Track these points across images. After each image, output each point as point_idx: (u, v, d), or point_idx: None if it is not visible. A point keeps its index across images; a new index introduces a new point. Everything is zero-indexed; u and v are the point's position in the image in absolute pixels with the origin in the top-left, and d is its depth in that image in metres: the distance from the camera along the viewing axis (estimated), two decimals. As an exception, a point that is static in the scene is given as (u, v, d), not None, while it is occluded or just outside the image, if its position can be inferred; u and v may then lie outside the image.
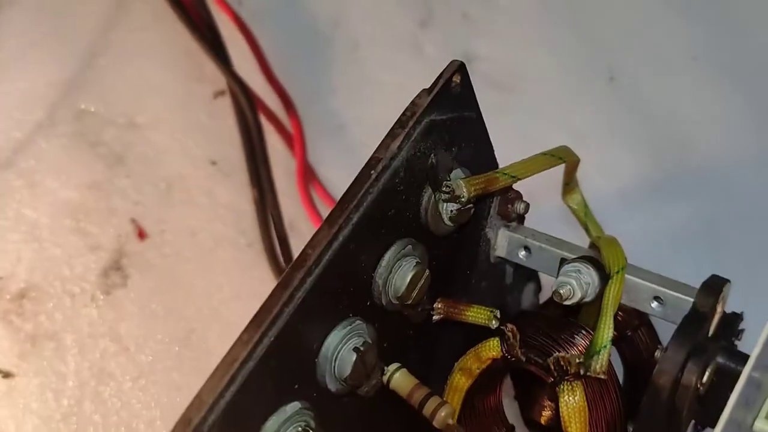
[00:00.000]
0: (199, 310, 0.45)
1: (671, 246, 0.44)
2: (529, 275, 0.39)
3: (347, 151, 0.49)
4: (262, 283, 0.46)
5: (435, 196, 0.31)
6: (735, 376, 0.28)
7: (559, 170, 0.34)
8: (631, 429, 0.32)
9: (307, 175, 0.46)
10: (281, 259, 0.45)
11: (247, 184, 0.47)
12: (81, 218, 0.46)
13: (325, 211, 0.45)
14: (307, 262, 0.28)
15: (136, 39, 0.51)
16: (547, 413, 0.34)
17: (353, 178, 0.42)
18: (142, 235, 0.46)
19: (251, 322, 0.27)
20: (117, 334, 0.44)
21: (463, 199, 0.30)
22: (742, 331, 0.32)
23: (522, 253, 0.35)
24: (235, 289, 0.45)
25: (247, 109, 0.47)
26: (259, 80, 0.49)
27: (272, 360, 0.27)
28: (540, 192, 0.36)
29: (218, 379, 0.26)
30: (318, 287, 0.28)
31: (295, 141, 0.47)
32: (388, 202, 0.30)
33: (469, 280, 0.35)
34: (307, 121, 0.48)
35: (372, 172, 0.29)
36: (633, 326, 0.34)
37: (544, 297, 0.40)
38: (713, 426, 0.29)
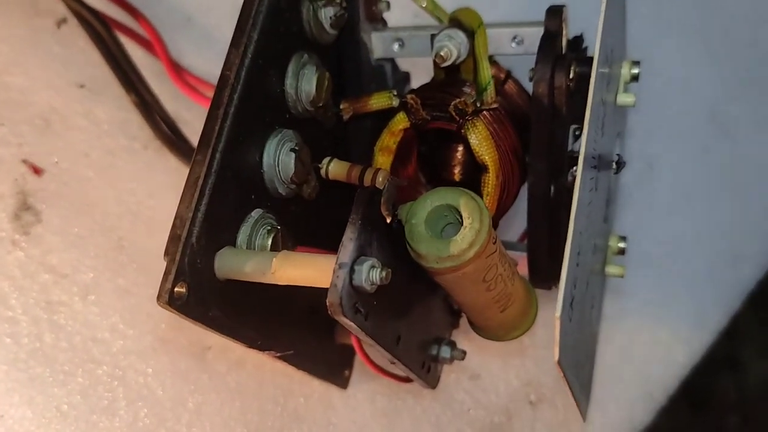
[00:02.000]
0: (120, 217, 0.47)
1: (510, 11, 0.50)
2: (405, 77, 0.44)
3: (201, 38, 0.51)
4: (169, 174, 0.48)
5: (313, 6, 0.35)
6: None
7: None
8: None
9: (177, 69, 0.49)
10: (181, 145, 0.47)
11: (119, 96, 0.49)
12: (-29, 176, 0.46)
13: (207, 96, 0.47)
14: (228, 80, 0.31)
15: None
16: (458, 169, 0.39)
17: (215, 61, 0.45)
18: (37, 171, 0.47)
19: (200, 143, 0.30)
20: (50, 265, 0.45)
21: (337, 1, 0.35)
22: (586, 48, 0.38)
23: (396, 47, 0.39)
24: (147, 189, 0.47)
25: (98, 26, 0.48)
26: (96, -2, 0.50)
27: (227, 171, 0.31)
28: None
29: (190, 197, 0.29)
30: (243, 101, 0.31)
31: (154, 42, 0.49)
32: (276, 20, 0.33)
33: (360, 84, 0.39)
34: (155, 23, 0.50)
35: (254, -9, 0.32)
36: (502, 80, 0.40)
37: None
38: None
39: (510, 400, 0.46)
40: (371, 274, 0.27)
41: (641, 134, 0.51)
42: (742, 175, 0.53)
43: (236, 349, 0.41)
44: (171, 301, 0.28)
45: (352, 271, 0.27)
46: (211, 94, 0.46)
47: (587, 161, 0.27)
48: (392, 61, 0.42)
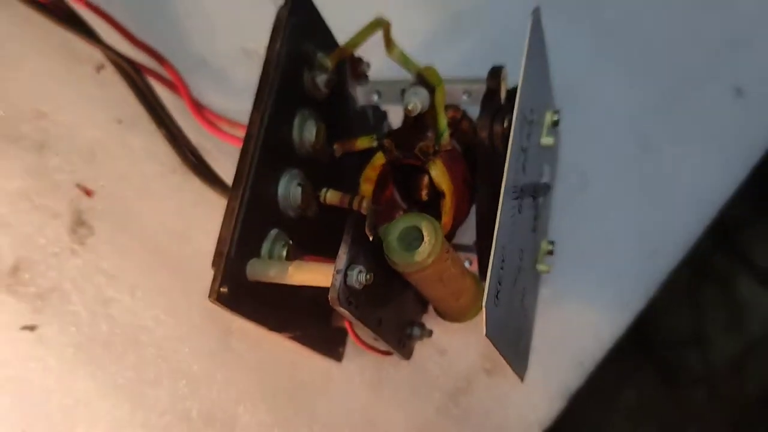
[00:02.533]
0: (156, 229, 0.58)
1: (464, 64, 0.62)
2: (383, 116, 0.56)
3: (216, 79, 0.62)
4: (194, 194, 0.58)
5: (311, 74, 0.46)
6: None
7: (379, 34, 0.49)
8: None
9: (197, 106, 0.60)
10: (203, 170, 0.58)
11: (151, 129, 0.59)
12: (34, 198, 0.57)
13: (223, 128, 0.58)
14: (253, 135, 0.42)
15: (10, 48, 0.60)
16: (424, 192, 0.51)
17: (228, 98, 0.56)
18: (89, 193, 0.58)
19: (234, 182, 0.41)
20: (102, 268, 0.56)
21: (329, 69, 0.46)
22: (520, 97, 0.49)
23: (375, 97, 0.51)
24: (177, 206, 0.58)
25: (131, 70, 0.59)
26: (127, 46, 0.61)
27: (254, 202, 0.42)
28: (372, 53, 0.51)
29: (228, 223, 0.41)
30: (263, 150, 0.42)
31: (177, 83, 0.59)
32: (285, 87, 0.44)
33: (347, 126, 0.51)
34: (177, 66, 0.61)
35: (270, 69, 0.43)
36: (458, 120, 0.51)
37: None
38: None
39: (469, 369, 0.57)
40: (359, 277, 0.39)
41: (576, 150, 0.62)
42: (659, 182, 0.64)
43: (254, 332, 0.53)
44: (218, 298, 0.39)
45: (345, 275, 0.39)
46: (226, 127, 0.58)
47: (507, 194, 0.39)
48: (370, 109, 0.53)
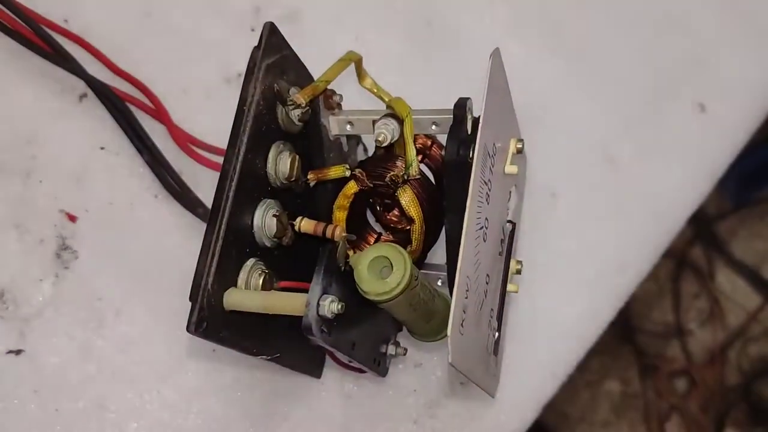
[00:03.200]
0: (139, 252, 0.59)
1: (435, 93, 0.64)
2: (357, 140, 0.58)
3: (196, 106, 0.64)
4: (176, 217, 0.60)
5: (285, 110, 0.48)
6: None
7: (352, 67, 0.51)
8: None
9: (178, 132, 0.61)
10: (184, 194, 0.60)
11: (133, 155, 0.61)
12: (19, 224, 0.59)
13: (203, 154, 0.60)
14: (228, 172, 0.44)
15: (-5, 80, 0.62)
16: (395, 217, 0.53)
17: (208, 125, 0.58)
18: (72, 218, 0.60)
19: (210, 218, 0.43)
20: (87, 292, 0.58)
21: (303, 105, 0.48)
22: (487, 125, 0.52)
23: (348, 127, 0.53)
24: (159, 229, 0.60)
25: (113, 98, 0.61)
26: (109, 75, 0.62)
27: (230, 235, 0.44)
28: (343, 85, 0.53)
29: (205, 257, 0.43)
30: (239, 186, 0.44)
31: (159, 111, 0.61)
32: (259, 123, 0.46)
33: (322, 155, 0.53)
34: (158, 93, 0.63)
35: (245, 107, 0.45)
36: (428, 146, 0.53)
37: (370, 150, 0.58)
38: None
39: (445, 382, 0.60)
40: (331, 306, 0.41)
41: (546, 170, 0.65)
42: (626, 198, 0.67)
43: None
44: (196, 329, 0.41)
45: (318, 306, 0.41)
46: (206, 153, 0.60)
47: (470, 230, 0.41)
48: (343, 137, 0.55)
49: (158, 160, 0.60)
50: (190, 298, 0.42)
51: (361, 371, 0.53)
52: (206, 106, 0.64)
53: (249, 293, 0.43)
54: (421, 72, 0.67)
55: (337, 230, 0.46)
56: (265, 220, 0.46)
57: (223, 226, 0.43)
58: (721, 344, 1.55)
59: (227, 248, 0.43)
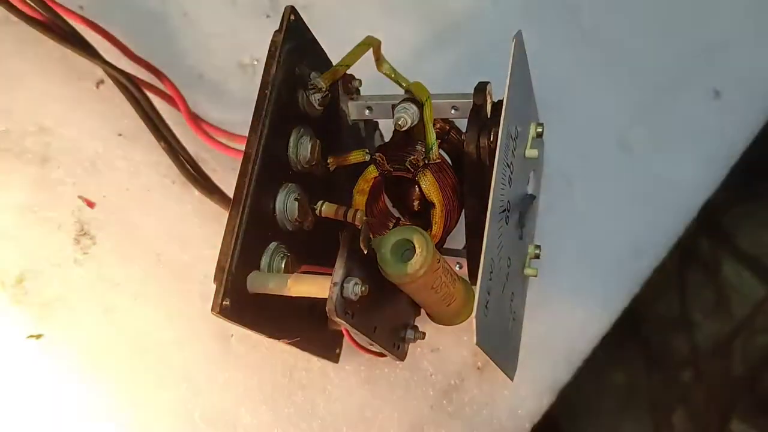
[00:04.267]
0: (157, 238, 0.60)
1: (450, 77, 0.64)
2: (374, 126, 0.58)
3: (212, 92, 0.64)
4: (193, 203, 0.60)
5: (306, 93, 0.48)
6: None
7: (370, 52, 0.52)
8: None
9: (195, 119, 0.62)
10: (201, 180, 0.60)
11: (150, 141, 0.60)
12: (38, 210, 0.59)
13: (219, 140, 0.61)
14: (251, 156, 0.44)
15: (12, 65, 0.62)
16: (416, 202, 0.53)
17: (224, 110, 0.58)
18: (90, 204, 0.60)
19: (233, 202, 0.44)
20: (105, 277, 0.58)
21: (323, 89, 0.48)
22: (506, 109, 0.52)
23: (367, 112, 0.53)
24: (177, 215, 0.60)
25: (130, 85, 0.61)
26: (126, 62, 0.62)
27: (253, 219, 0.44)
28: (360, 71, 0.53)
29: (229, 240, 0.43)
30: (261, 169, 0.44)
31: (175, 96, 0.61)
32: (280, 108, 0.46)
33: (340, 140, 0.53)
34: (175, 80, 0.63)
35: (266, 91, 0.45)
36: (447, 131, 0.53)
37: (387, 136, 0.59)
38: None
39: (462, 366, 0.60)
40: (355, 288, 0.41)
41: (561, 157, 0.65)
42: (641, 185, 0.67)
43: (253, 335, 0.55)
44: (221, 311, 0.42)
45: (342, 287, 0.41)
46: (223, 138, 0.60)
47: (494, 214, 0.41)
48: (362, 122, 0.55)
49: (175, 147, 0.61)
50: (215, 280, 0.42)
51: (381, 355, 0.54)
52: (222, 93, 0.64)
53: (272, 276, 0.44)
54: (435, 58, 0.67)
55: (358, 214, 0.46)
56: (287, 203, 0.46)
57: (246, 209, 0.43)
58: (726, 335, 1.55)
59: (250, 231, 0.43)
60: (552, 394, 0.61)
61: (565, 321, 0.62)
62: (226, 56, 0.65)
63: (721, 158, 0.69)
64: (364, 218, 0.46)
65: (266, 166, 0.45)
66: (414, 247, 0.43)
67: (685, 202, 0.67)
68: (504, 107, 0.42)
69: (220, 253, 0.43)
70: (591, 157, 0.66)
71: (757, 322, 1.58)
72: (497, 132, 0.47)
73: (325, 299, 0.42)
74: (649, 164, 0.67)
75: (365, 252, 0.43)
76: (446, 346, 0.60)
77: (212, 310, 0.41)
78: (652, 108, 0.69)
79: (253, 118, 0.45)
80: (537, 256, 0.53)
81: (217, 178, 0.60)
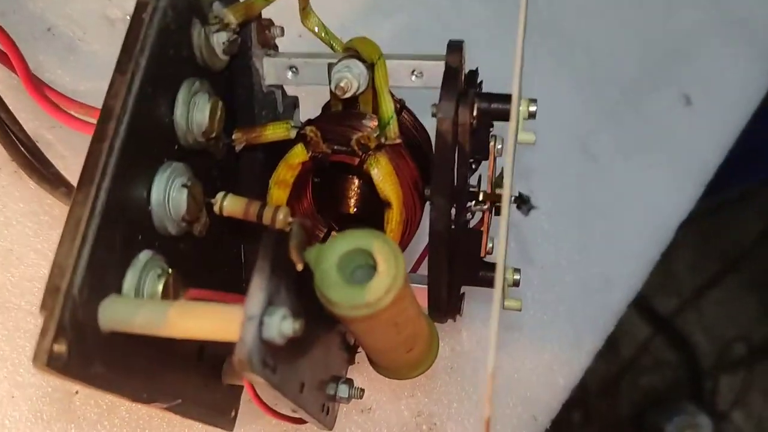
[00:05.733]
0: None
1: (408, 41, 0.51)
2: (294, 104, 0.42)
3: (64, 50, 0.47)
4: (26, 201, 0.43)
5: (205, 30, 0.32)
6: (495, 112, 0.35)
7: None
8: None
9: (37, 84, 0.44)
10: (41, 168, 0.42)
11: None
12: None
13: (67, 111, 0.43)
14: (113, 111, 0.28)
15: None
16: (354, 202, 0.38)
17: (80, 75, 0.41)
18: None
19: (81, 181, 0.27)
20: None
21: (232, 26, 0.32)
22: (481, 82, 0.38)
23: (289, 75, 0.38)
24: (1, 214, 0.43)
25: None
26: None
27: (112, 211, 0.27)
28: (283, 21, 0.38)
29: (70, 242, 0.26)
30: (131, 134, 0.28)
31: (9, 53, 0.44)
32: (165, 42, 0.30)
33: (252, 111, 0.37)
34: (12, 32, 0.45)
35: (144, 16, 0.29)
36: (397, 110, 0.39)
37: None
38: (485, 156, 0.36)
39: (402, 431, 0.45)
40: (283, 326, 0.25)
41: (523, 167, 0.52)
42: (609, 199, 0.55)
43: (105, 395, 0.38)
44: (50, 362, 0.24)
45: (261, 324, 0.25)
46: (76, 112, 0.43)
47: (505, 213, 0.27)
48: (281, 87, 0.40)
49: (4, 120, 0.43)
50: (43, 307, 0.25)
51: (298, 422, 0.37)
52: (79, 54, 0.46)
53: (142, 304, 0.27)
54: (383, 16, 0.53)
55: (281, 213, 0.31)
56: (170, 191, 0.30)
57: (101, 197, 0.27)
58: (614, 375, 1.52)
59: (107, 232, 0.27)
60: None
61: (531, 368, 0.49)
62: (88, 6, 0.47)
63: (695, 170, 0.58)
64: (290, 219, 0.31)
65: (138, 131, 0.28)
66: (372, 262, 0.27)
67: (659, 223, 0.56)
68: (517, 69, 0.28)
69: (53, 263, 0.26)
70: (554, 166, 0.55)
71: (642, 362, 1.55)
72: (480, 108, 0.33)
73: (227, 343, 0.25)
74: (612, 173, 0.56)
75: (299, 268, 0.27)
76: (381, 405, 0.45)
77: (34, 359, 0.24)
78: (615, 113, 0.58)
79: (120, 53, 0.29)
80: (516, 284, 0.39)
81: (64, 167, 0.42)
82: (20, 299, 0.42)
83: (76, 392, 0.41)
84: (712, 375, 1.45)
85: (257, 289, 0.26)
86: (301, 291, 0.28)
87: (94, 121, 0.41)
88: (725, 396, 1.44)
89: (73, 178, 0.42)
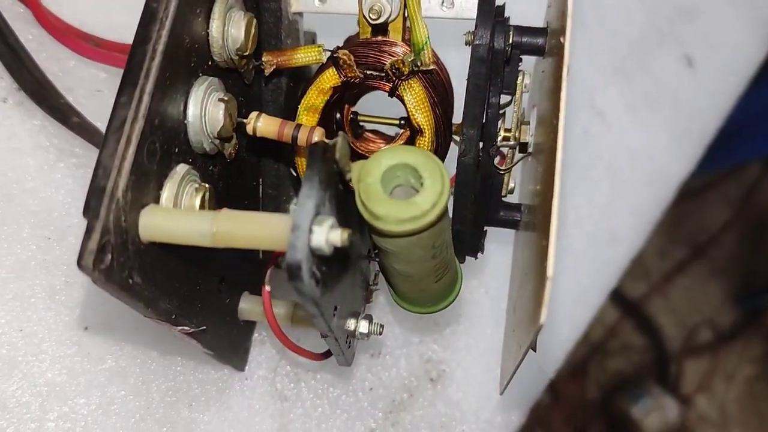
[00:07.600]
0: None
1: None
2: (313, 38, 0.42)
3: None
4: (33, 133, 0.41)
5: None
6: (527, 45, 0.34)
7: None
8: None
9: (44, 11, 0.42)
10: (49, 98, 0.41)
11: None
12: None
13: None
14: (157, 13, 0.27)
15: None
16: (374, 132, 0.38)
17: (89, 6, 0.40)
18: None
19: (123, 83, 0.26)
20: None
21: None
22: (508, 18, 0.38)
23: (317, 3, 0.37)
24: (7, 148, 0.41)
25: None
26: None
27: (155, 117, 0.27)
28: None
29: (115, 143, 0.25)
30: (172, 39, 0.27)
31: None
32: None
33: (279, 37, 0.36)
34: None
35: None
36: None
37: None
38: (512, 91, 0.36)
39: (411, 377, 0.44)
40: (331, 235, 0.25)
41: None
42: (615, 156, 0.55)
43: (118, 326, 0.37)
44: (95, 264, 0.24)
45: (311, 231, 0.25)
46: (84, 43, 0.42)
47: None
48: (301, 16, 0.39)
49: (15, 49, 0.41)
50: (85, 213, 0.24)
51: (318, 357, 0.37)
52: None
53: (186, 213, 0.26)
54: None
55: (317, 133, 0.30)
56: (207, 105, 0.29)
57: (144, 100, 0.26)
58: (582, 358, 1.54)
59: (150, 137, 0.26)
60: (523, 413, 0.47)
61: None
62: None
63: (695, 128, 0.59)
64: (324, 140, 0.30)
65: (178, 38, 0.27)
66: (413, 180, 0.27)
67: (661, 180, 0.56)
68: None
69: (96, 166, 0.25)
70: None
71: (610, 345, 1.57)
72: (514, 38, 0.33)
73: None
74: (619, 130, 0.56)
75: (347, 179, 0.27)
76: (391, 349, 0.44)
77: (79, 260, 0.24)
78: (623, 70, 0.58)
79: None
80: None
81: (72, 99, 0.41)
82: (31, 228, 0.40)
83: (86, 328, 0.40)
84: (677, 359, 1.48)
85: (306, 198, 0.25)
86: (342, 210, 0.28)
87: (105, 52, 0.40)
88: (690, 380, 1.46)
89: (82, 108, 0.41)
